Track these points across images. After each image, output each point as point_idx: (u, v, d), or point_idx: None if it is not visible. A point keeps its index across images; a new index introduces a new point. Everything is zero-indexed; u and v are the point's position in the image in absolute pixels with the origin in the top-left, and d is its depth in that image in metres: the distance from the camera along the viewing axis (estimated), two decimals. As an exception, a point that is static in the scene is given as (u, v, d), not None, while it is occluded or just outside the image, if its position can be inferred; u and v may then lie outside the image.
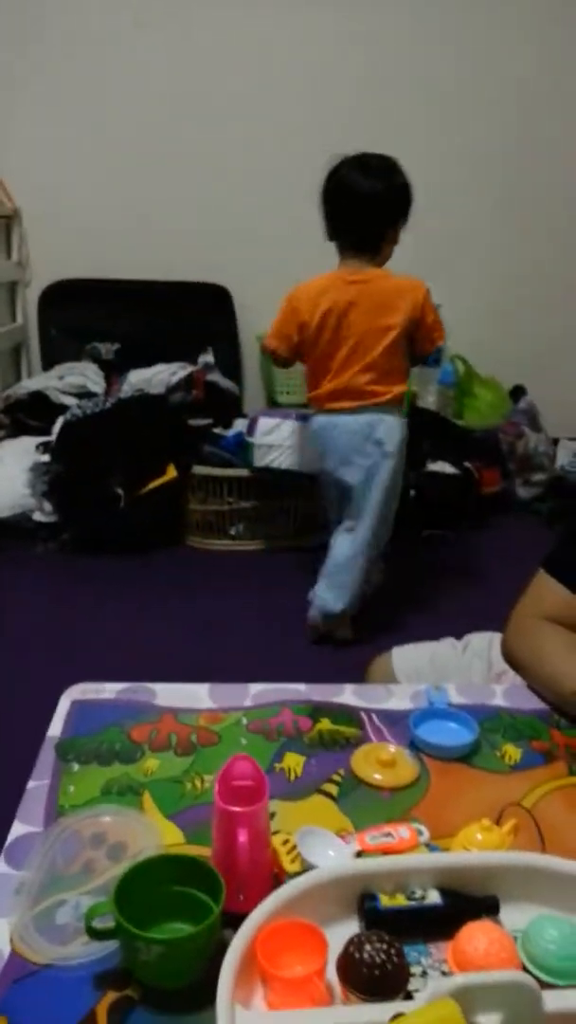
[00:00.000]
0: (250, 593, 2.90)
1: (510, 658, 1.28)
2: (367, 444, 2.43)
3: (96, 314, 3.70)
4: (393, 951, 0.70)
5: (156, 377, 3.32)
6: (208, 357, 3.58)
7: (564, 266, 3.87)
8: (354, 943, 0.71)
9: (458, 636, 1.62)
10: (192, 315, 3.73)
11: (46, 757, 1.06)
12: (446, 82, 3.61)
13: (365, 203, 2.32)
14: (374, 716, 1.17)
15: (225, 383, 3.59)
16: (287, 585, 2.96)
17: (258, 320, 3.77)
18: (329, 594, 2.54)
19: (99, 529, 3.02)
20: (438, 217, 3.14)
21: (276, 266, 3.78)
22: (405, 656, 1.57)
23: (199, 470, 3.08)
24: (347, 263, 2.43)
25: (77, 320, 3.70)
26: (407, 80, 3.60)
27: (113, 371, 3.48)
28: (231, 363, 3.78)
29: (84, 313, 3.71)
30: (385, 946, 0.70)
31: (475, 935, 0.72)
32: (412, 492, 3.29)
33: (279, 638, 2.57)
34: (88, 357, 3.61)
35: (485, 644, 1.56)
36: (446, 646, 1.60)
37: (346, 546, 2.54)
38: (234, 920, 0.75)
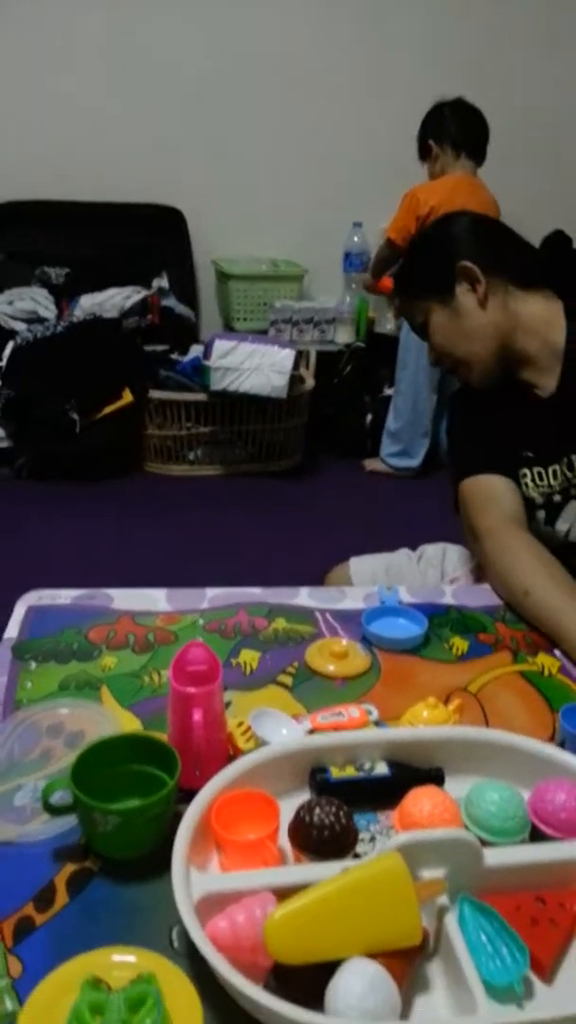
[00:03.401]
0: (209, 518, 2.91)
1: (481, 559, 1.32)
2: None
3: (45, 237, 3.57)
4: (342, 813, 0.73)
5: (109, 301, 3.25)
6: (162, 282, 3.51)
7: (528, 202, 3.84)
8: (305, 807, 0.74)
9: (413, 547, 1.65)
10: (145, 239, 3.62)
11: (2, 657, 1.07)
12: None
13: (483, 121, 3.04)
14: (328, 615, 1.20)
15: (180, 308, 3.53)
16: (245, 510, 2.98)
17: (213, 244, 3.70)
18: None
19: (55, 454, 2.99)
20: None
21: (231, 189, 3.71)
22: (361, 566, 1.60)
23: (156, 395, 3.05)
24: (461, 169, 3.04)
25: (25, 243, 3.57)
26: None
27: (64, 296, 3.39)
28: (186, 289, 3.70)
29: (33, 236, 3.57)
30: (334, 809, 0.73)
31: (420, 798, 0.76)
32: (369, 417, 3.30)
33: (237, 561, 2.59)
34: (37, 282, 3.49)
35: (439, 553, 1.60)
36: (401, 556, 1.64)
37: None
38: (190, 796, 0.78)
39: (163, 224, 3.64)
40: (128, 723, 0.95)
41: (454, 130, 3.03)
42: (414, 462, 3.24)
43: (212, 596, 1.24)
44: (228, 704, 0.97)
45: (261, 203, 3.73)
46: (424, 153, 3.10)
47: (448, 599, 1.27)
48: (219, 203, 3.69)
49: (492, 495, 1.30)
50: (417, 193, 3.00)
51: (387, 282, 3.31)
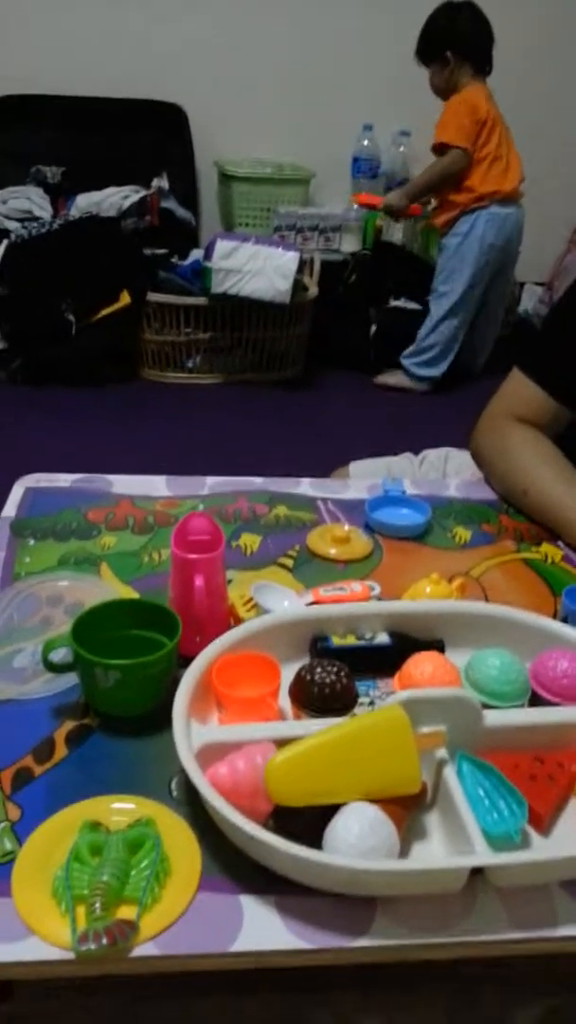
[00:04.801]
0: (207, 426, 2.87)
1: (477, 453, 1.29)
2: None
3: (41, 135, 3.45)
4: (343, 674, 0.73)
5: (107, 200, 3.15)
6: (162, 182, 3.40)
7: (535, 107, 3.69)
8: (306, 668, 0.74)
9: (415, 452, 1.64)
10: (144, 137, 3.50)
11: (0, 534, 1.06)
12: None
13: (491, 31, 2.92)
14: (330, 503, 1.19)
15: (181, 212, 3.43)
16: (245, 419, 2.95)
17: (216, 144, 3.57)
18: None
19: (50, 357, 2.93)
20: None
21: (236, 86, 3.56)
22: (362, 468, 1.58)
23: (154, 298, 2.97)
24: (478, 82, 2.93)
25: (20, 141, 3.45)
26: None
27: (59, 195, 3.29)
28: (187, 191, 3.59)
29: (27, 134, 3.45)
30: (335, 669, 0.73)
31: (422, 662, 0.76)
32: (374, 327, 3.24)
33: (235, 470, 2.56)
34: (33, 181, 3.39)
35: (441, 456, 1.58)
36: (403, 459, 1.62)
37: None
38: (190, 664, 0.78)
39: (164, 122, 3.51)
40: (128, 597, 0.94)
41: (473, 44, 2.88)
42: (436, 372, 3.19)
43: (212, 483, 1.24)
44: (229, 581, 0.96)
45: (267, 102, 3.59)
46: (432, 59, 2.93)
47: (452, 492, 1.25)
48: (223, 101, 3.55)
49: (518, 398, 1.23)
50: (469, 98, 2.87)
51: (417, 208, 3.17)
